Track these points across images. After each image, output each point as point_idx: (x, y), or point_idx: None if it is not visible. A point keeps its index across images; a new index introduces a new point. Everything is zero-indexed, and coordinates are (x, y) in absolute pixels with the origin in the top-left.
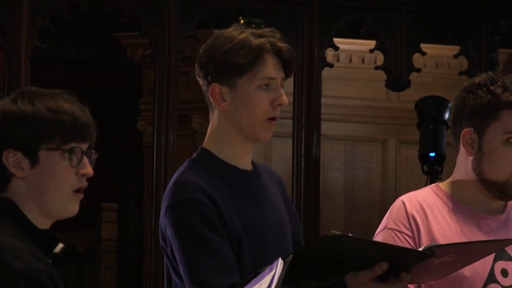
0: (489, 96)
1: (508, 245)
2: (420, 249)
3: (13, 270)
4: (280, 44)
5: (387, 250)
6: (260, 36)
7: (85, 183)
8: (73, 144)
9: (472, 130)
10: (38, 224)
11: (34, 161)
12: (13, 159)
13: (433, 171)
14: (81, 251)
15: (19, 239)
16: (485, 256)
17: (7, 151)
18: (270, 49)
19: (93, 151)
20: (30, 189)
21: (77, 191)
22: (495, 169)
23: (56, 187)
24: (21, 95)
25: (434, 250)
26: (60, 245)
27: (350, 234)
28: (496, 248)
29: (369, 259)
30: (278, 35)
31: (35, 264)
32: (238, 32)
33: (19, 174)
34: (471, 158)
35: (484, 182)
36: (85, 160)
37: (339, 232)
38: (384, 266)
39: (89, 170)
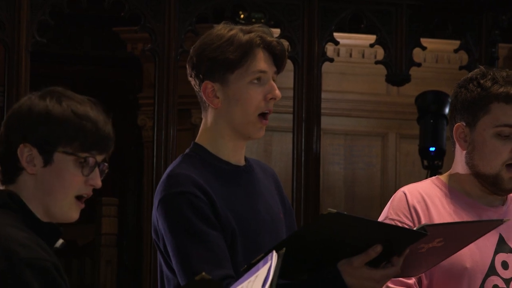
0: (479, 89)
1: (497, 226)
2: (414, 229)
3: (19, 258)
4: (269, 38)
5: (381, 229)
6: (249, 31)
7: (90, 193)
8: (89, 154)
9: (464, 124)
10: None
11: (47, 161)
12: (28, 154)
13: (433, 166)
14: (82, 246)
15: (23, 230)
16: (473, 241)
17: (23, 145)
18: (260, 43)
19: (106, 164)
20: (37, 187)
21: (80, 198)
22: (486, 162)
23: (62, 190)
24: (51, 93)
25: (427, 229)
26: (60, 241)
27: (345, 212)
28: (486, 230)
29: (362, 242)
30: (267, 30)
31: (40, 253)
32: (227, 30)
33: (30, 170)
34: (464, 152)
35: (477, 176)
36: (96, 171)
37: (335, 210)
38: (378, 248)
39: (98, 182)
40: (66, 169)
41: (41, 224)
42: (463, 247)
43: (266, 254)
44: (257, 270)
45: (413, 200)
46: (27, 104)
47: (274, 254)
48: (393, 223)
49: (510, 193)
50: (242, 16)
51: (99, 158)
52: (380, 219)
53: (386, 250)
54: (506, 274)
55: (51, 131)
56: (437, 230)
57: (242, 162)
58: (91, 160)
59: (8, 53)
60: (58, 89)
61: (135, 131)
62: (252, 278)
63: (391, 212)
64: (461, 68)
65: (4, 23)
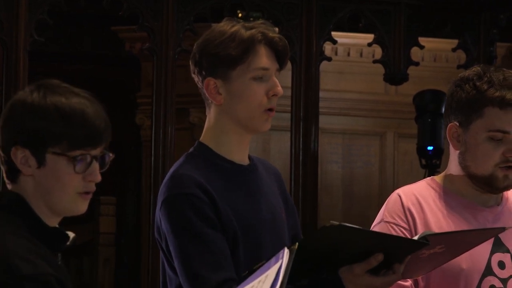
0: (474, 92)
1: (499, 233)
2: (415, 237)
3: (21, 275)
4: (271, 34)
5: (383, 240)
6: (251, 28)
7: (92, 188)
8: (80, 151)
9: (458, 124)
10: (47, 221)
11: (40, 162)
12: (21, 156)
13: (431, 165)
14: (80, 245)
15: (26, 238)
16: (472, 248)
17: (15, 148)
18: (261, 39)
19: (106, 154)
20: (36, 187)
21: (84, 192)
22: (478, 164)
23: (60, 190)
24: (38, 87)
25: (429, 238)
26: (71, 235)
27: (347, 224)
28: (487, 237)
29: (363, 251)
30: (269, 27)
31: (43, 267)
32: (230, 26)
33: (26, 171)
34: (457, 152)
35: (471, 176)
36: (94, 166)
37: (337, 222)
38: (380, 257)
39: (95, 178)
40: (59, 169)
41: (45, 229)
42: (464, 252)
43: (268, 259)
44: (268, 268)
45: (408, 203)
46: (19, 100)
47: (286, 251)
48: (388, 225)
49: (504, 191)
50: (240, 15)
51: (95, 152)
52: (375, 221)
53: (387, 257)
54: (503, 274)
55: (38, 130)
56: (438, 239)
57: (246, 161)
58: (83, 157)
59: (6, 52)
60: (50, 83)
61: (134, 131)
62: (262, 277)
63: (386, 215)
64: (459, 67)
65: (3, 22)
